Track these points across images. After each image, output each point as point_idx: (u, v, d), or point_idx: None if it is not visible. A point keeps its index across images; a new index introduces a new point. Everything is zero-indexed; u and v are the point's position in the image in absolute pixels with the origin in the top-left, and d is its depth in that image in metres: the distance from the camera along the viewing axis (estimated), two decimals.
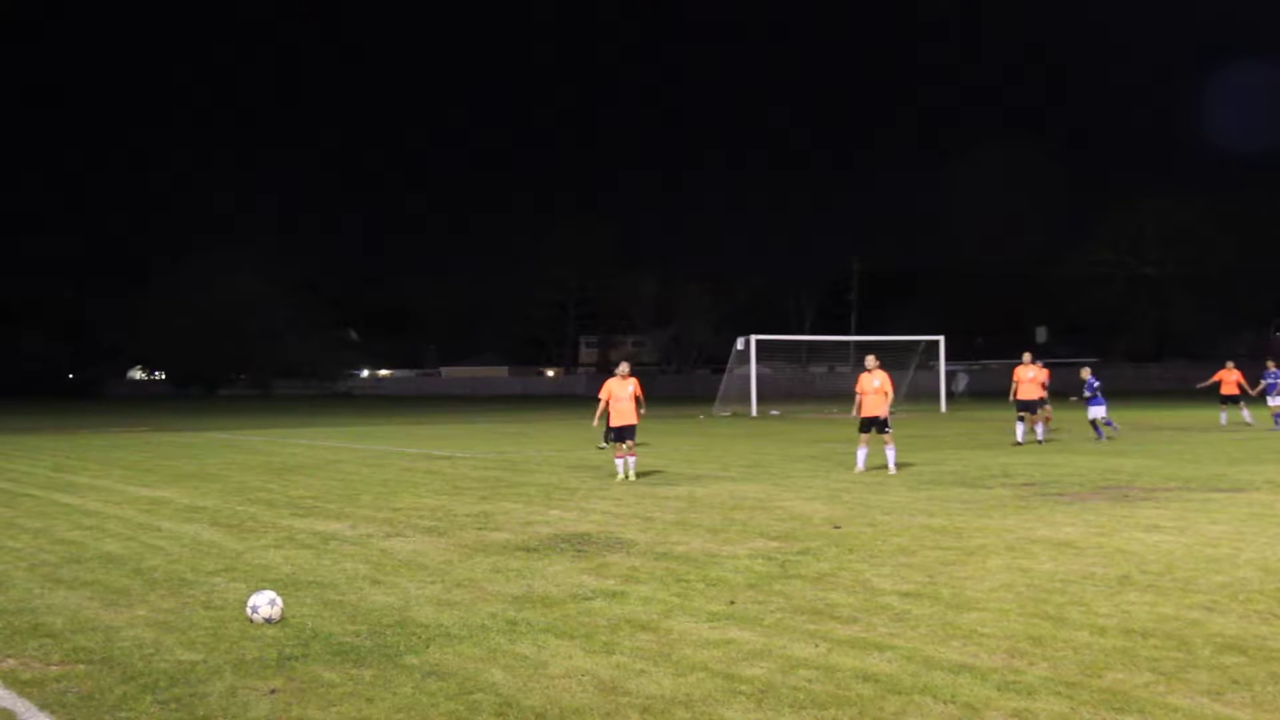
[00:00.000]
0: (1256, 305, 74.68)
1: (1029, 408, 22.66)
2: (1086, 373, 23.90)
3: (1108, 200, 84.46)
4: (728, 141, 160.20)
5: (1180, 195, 75.00)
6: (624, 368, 17.02)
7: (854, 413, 17.55)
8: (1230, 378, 28.07)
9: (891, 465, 16.85)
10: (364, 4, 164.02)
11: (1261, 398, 26.82)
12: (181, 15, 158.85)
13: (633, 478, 16.18)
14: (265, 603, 7.17)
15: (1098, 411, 23.56)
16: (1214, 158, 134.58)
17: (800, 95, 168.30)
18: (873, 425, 17.08)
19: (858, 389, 17.44)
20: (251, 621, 7.09)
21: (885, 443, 16.98)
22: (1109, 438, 23.32)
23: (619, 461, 16.50)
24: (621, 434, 16.49)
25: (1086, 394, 23.62)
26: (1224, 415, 27.89)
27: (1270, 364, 26.94)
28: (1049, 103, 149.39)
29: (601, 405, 16.85)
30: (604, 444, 16.20)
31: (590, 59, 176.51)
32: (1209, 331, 74.55)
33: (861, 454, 17.19)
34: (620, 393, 16.54)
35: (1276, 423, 26.51)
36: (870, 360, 17.47)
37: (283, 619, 7.16)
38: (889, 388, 17.32)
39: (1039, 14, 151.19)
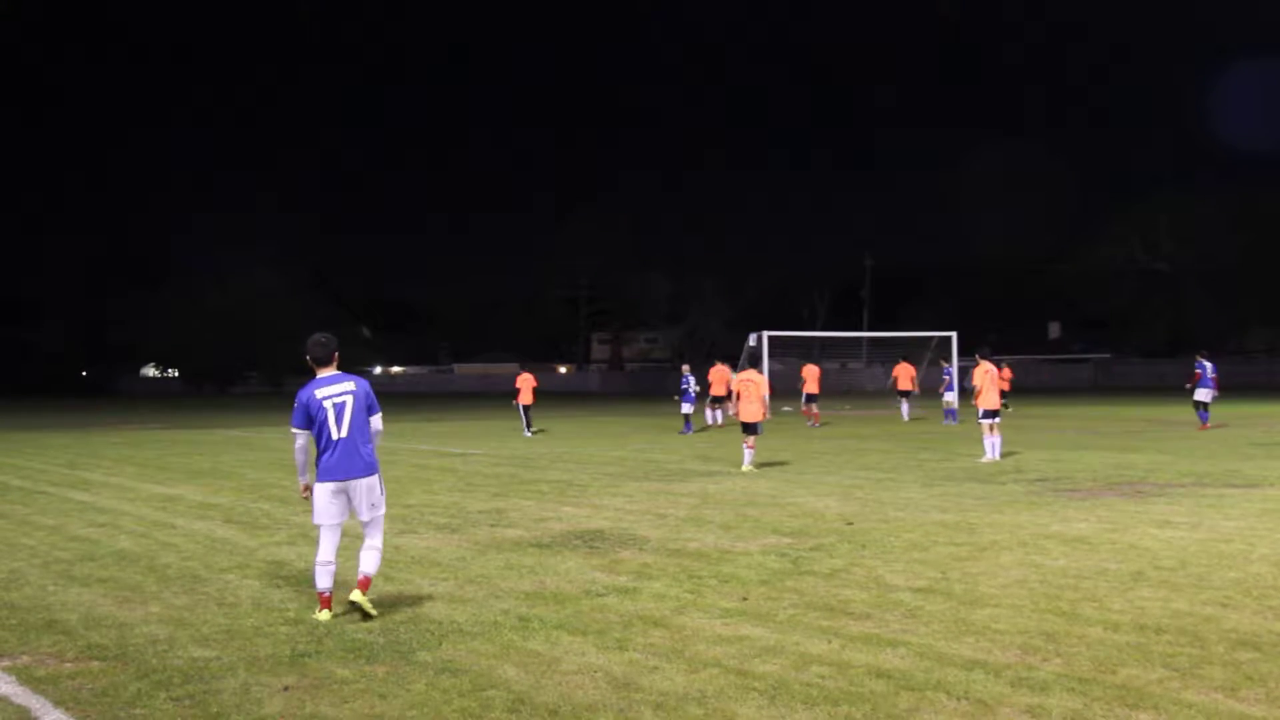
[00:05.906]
0: (1269, 301, 74.31)
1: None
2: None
3: (1120, 197, 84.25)
4: (732, 140, 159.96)
5: (1192, 192, 74.75)
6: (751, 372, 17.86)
7: (975, 400, 18.48)
8: (906, 373, 30.51)
9: (999, 452, 18.00)
10: (366, 3, 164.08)
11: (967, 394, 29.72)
12: (184, 14, 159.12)
13: (746, 469, 16.98)
14: None
15: (1203, 395, 26.52)
16: (1226, 154, 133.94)
17: (804, 94, 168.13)
18: (997, 414, 18.27)
19: (982, 381, 18.27)
20: None
21: (996, 430, 18.15)
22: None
23: (747, 451, 17.33)
24: (747, 429, 17.37)
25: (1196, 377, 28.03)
26: (905, 408, 29.78)
27: (944, 361, 29.63)
28: (1061, 100, 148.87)
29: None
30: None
31: (595, 58, 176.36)
32: (1222, 327, 74.20)
33: (994, 442, 18.06)
34: (746, 391, 17.38)
35: (947, 417, 28.98)
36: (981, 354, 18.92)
37: (296, 614, 7.18)
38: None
39: (1050, 11, 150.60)
